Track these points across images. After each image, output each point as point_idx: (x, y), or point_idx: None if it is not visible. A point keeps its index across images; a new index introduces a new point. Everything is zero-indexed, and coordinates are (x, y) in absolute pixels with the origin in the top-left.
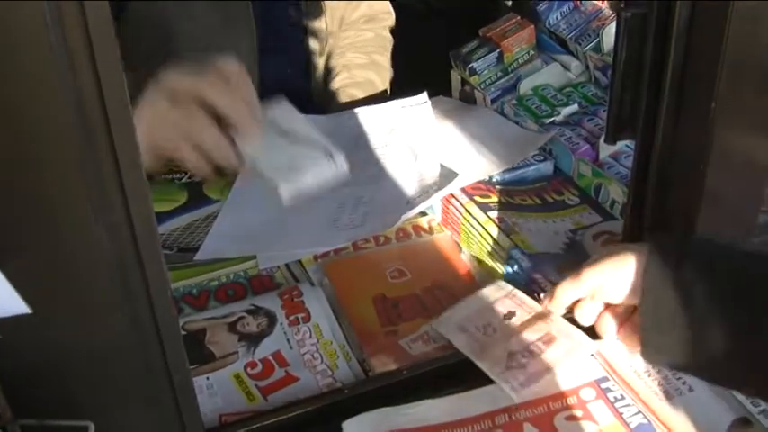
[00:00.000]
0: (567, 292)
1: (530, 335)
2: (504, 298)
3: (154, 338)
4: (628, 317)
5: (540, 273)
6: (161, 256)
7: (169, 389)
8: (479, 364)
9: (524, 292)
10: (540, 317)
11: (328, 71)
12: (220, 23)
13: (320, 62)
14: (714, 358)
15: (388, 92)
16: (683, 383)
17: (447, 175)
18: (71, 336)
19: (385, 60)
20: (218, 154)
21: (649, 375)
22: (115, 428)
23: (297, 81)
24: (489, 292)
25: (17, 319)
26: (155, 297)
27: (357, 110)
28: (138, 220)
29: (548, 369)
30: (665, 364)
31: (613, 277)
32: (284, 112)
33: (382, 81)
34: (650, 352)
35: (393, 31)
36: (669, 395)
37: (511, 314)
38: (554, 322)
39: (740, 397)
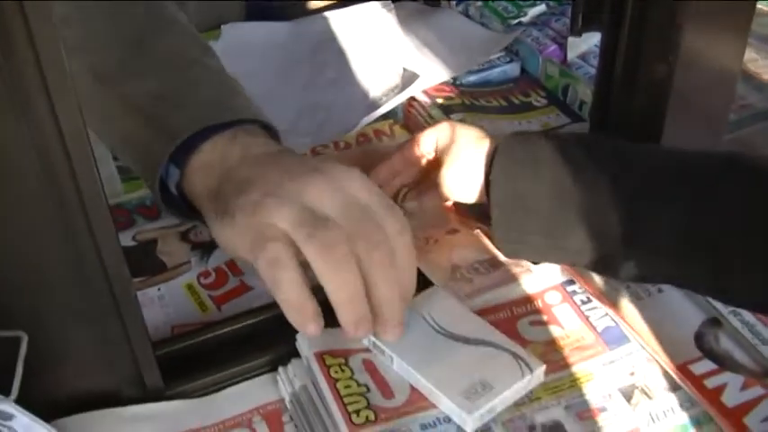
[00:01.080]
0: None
1: (474, 254)
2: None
3: (90, 246)
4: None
5: None
6: (90, 153)
7: (110, 300)
8: (421, 266)
9: None
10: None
11: None
12: None
13: None
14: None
15: None
16: (652, 284)
17: (409, 78)
18: None
19: None
20: (348, 309)
21: None
22: (53, 341)
23: None
24: None
25: None
26: (87, 201)
27: (319, 15)
28: (62, 115)
29: (494, 286)
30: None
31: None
32: (440, 304)
33: None
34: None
35: None
36: (638, 297)
37: (454, 231)
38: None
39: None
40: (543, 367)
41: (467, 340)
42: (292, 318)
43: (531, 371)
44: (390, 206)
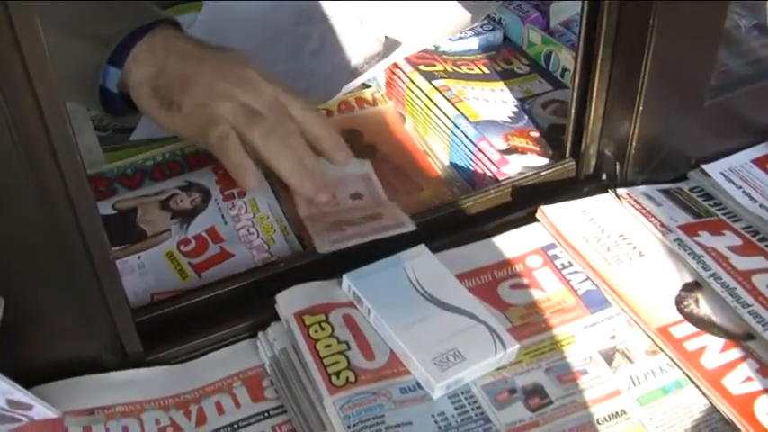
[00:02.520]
0: None
1: (360, 213)
2: (358, 177)
3: (68, 214)
4: None
5: (485, 140)
6: (68, 124)
7: (89, 268)
8: (306, 222)
9: (470, 160)
10: (380, 204)
11: None
12: None
13: None
14: None
15: None
16: (633, 248)
17: (391, 45)
18: None
19: None
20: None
21: (598, 241)
22: (32, 307)
23: None
24: (350, 166)
25: None
26: (64, 165)
27: None
28: (39, 86)
29: (362, 235)
30: None
31: None
32: (425, 265)
33: None
34: None
35: None
36: (619, 260)
37: (357, 195)
38: (387, 207)
39: (691, 261)
40: (517, 346)
41: (447, 306)
42: (237, 175)
43: (505, 348)
44: (294, 94)
